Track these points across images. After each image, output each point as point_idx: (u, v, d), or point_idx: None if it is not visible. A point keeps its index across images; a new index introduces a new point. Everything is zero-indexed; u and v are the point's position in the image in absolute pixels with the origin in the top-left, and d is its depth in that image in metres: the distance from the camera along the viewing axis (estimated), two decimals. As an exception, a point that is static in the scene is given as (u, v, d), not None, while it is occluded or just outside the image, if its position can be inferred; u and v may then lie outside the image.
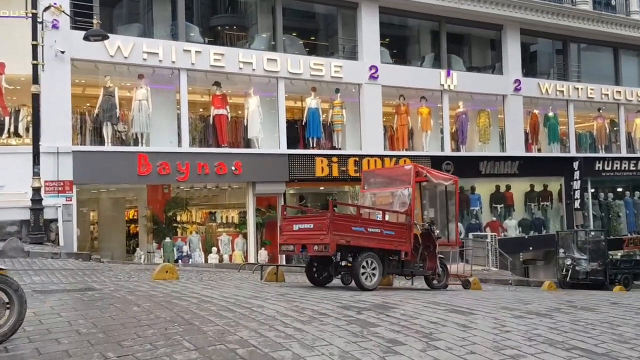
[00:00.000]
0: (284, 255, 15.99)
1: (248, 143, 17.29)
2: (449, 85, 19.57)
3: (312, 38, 18.94)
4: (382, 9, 18.50)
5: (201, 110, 17.22)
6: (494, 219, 20.99)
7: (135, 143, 15.26)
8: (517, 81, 21.01)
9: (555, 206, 22.59)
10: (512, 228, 21.13)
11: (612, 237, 22.67)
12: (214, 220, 19.36)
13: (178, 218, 16.84)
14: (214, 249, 16.29)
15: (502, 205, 21.47)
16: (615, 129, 24.01)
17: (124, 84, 15.59)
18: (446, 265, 10.04)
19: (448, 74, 19.59)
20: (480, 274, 16.81)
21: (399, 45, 20.15)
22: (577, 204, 22.02)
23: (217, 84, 16.32)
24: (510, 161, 20.79)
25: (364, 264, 7.97)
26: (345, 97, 18.09)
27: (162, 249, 15.68)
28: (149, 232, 16.44)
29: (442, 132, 20.31)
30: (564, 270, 16.87)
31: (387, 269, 8.57)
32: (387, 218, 8.65)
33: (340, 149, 17.92)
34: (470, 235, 19.71)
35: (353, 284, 8.28)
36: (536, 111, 22.03)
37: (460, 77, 19.78)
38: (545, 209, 22.33)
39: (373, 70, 18.12)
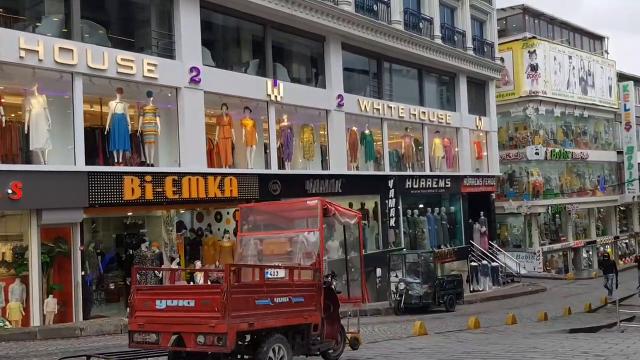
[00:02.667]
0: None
1: (29, 157, 13.11)
2: (275, 96, 17.66)
3: (116, 28, 15.33)
4: (203, 2, 15.82)
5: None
6: (317, 241, 19.63)
7: None
8: (340, 96, 20.08)
9: (371, 224, 22.22)
10: (334, 249, 20.01)
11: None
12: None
13: None
14: (-21, 302, 11.80)
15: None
16: (420, 147, 24.74)
17: None
18: (343, 327, 7.90)
19: (275, 84, 17.68)
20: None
21: (220, 47, 17.61)
22: (392, 222, 21.95)
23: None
24: (334, 179, 19.71)
25: (271, 354, 5.44)
26: (159, 103, 14.96)
27: None
28: None
29: (266, 147, 18.34)
30: (398, 295, 16.17)
31: (293, 351, 6.15)
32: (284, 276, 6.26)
33: (152, 164, 14.70)
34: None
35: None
36: (355, 128, 21.42)
37: (286, 88, 18.02)
38: (362, 228, 21.75)
39: (194, 73, 15.31)
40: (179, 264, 15.59)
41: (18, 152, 13.00)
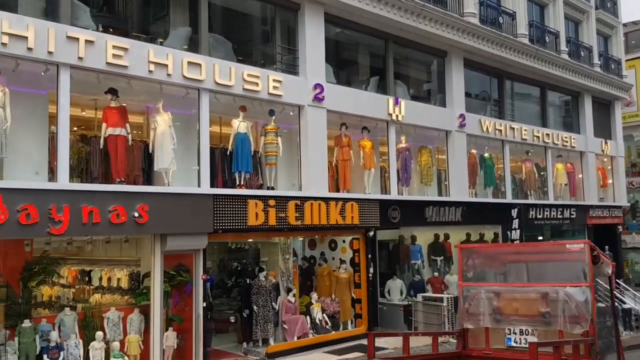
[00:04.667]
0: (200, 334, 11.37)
1: (150, 177, 12.38)
2: (396, 116, 16.29)
3: (238, 42, 14.53)
4: (327, 16, 14.79)
5: (82, 128, 12.02)
6: (436, 274, 17.92)
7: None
8: (462, 116, 18.43)
9: (490, 257, 20.17)
10: (453, 285, 18.09)
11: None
12: (88, 282, 13.95)
13: (44, 291, 11.28)
14: (99, 333, 10.94)
15: (441, 257, 18.51)
16: (542, 173, 22.53)
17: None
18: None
19: (396, 102, 16.32)
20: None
21: (340, 64, 16.49)
22: (515, 256, 19.80)
23: (112, 91, 11.31)
24: (455, 207, 17.96)
25: None
26: (279, 122, 13.94)
27: (17, 337, 10.09)
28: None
29: (384, 170, 16.96)
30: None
31: None
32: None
33: (273, 188, 13.62)
34: (419, 297, 16.34)
35: None
36: (474, 151, 19.64)
37: (407, 106, 16.62)
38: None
39: (318, 90, 14.22)
40: (294, 295, 14.36)
41: (140, 172, 12.29)
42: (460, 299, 5.96)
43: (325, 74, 14.62)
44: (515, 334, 5.03)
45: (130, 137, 11.45)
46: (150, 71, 11.31)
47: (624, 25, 30.55)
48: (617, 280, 24.88)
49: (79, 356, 10.53)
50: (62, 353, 10.37)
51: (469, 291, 5.88)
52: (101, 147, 11.23)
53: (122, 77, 11.14)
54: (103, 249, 14.19)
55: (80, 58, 10.34)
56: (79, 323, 10.98)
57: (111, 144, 11.20)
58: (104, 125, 11.21)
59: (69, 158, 10.32)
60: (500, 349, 4.98)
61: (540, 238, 24.04)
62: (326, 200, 14.04)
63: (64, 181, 10.07)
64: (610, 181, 25.69)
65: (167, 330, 11.65)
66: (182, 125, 12.37)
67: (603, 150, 24.86)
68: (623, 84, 25.87)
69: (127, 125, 11.41)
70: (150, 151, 11.99)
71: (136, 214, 10.68)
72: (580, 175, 24.04)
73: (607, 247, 24.80)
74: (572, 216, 22.89)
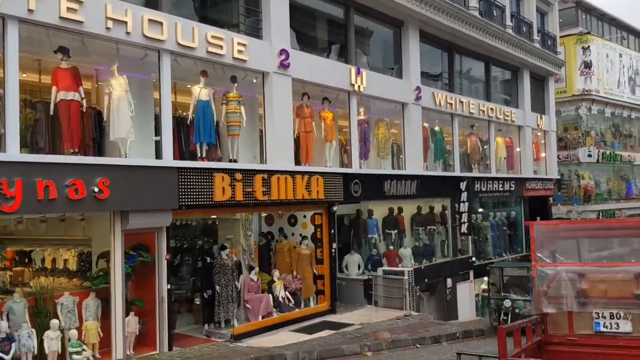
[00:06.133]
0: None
1: (101, 149, 11.17)
2: (358, 86, 15.77)
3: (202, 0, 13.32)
4: (290, -23, 13.91)
5: (27, 92, 10.58)
6: (391, 247, 17.81)
7: None
8: (418, 88, 18.21)
9: (439, 230, 20.37)
10: (407, 258, 18.11)
11: (482, 261, 21.44)
12: (33, 264, 12.66)
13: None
14: (54, 321, 9.77)
15: (395, 230, 18.40)
16: (485, 147, 22.92)
17: None
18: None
19: (358, 72, 15.78)
20: (398, 325, 13.32)
21: (300, 30, 15.60)
22: (464, 228, 20.11)
23: (63, 49, 9.96)
24: (410, 180, 17.82)
25: None
26: (243, 90, 13.01)
27: (-42, 332, 8.81)
28: None
29: (343, 143, 16.48)
30: (503, 314, 14.29)
31: None
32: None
33: (236, 160, 12.74)
34: (380, 271, 16.14)
35: None
36: (426, 124, 19.54)
37: (369, 77, 16.14)
38: (432, 234, 19.94)
39: (284, 57, 13.38)
40: (256, 273, 13.68)
41: (90, 142, 11.02)
42: (535, 282, 5.55)
43: (289, 40, 13.78)
44: (605, 318, 4.70)
45: (84, 102, 10.16)
46: (107, 28, 10.03)
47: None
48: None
49: (33, 347, 9.37)
50: (13, 345, 9.17)
51: (545, 272, 5.46)
52: (51, 113, 9.89)
53: (77, 34, 9.81)
54: (44, 227, 12.88)
55: (30, 10, 8.93)
56: (30, 310, 9.76)
57: (63, 110, 9.89)
58: (54, 88, 9.86)
59: (19, 127, 8.97)
60: (586, 334, 4.66)
61: (538, 218, 24.56)
62: (292, 174, 13.37)
63: (14, 151, 8.74)
64: (543, 155, 26.66)
65: (127, 315, 10.66)
66: (135, 91, 11.14)
67: (538, 125, 25.69)
68: (558, 60, 26.76)
69: (81, 89, 10.12)
70: (105, 119, 10.77)
71: (96, 189, 9.53)
72: (518, 149, 24.72)
73: (538, 218, 25.89)
74: (512, 188, 23.56)
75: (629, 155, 34.02)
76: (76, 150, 9.95)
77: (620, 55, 33.65)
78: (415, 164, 18.21)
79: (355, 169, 15.78)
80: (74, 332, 9.88)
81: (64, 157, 9.50)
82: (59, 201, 9.05)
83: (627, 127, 35.36)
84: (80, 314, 10.35)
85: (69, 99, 9.89)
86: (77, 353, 9.73)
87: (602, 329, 4.82)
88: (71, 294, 10.38)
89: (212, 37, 11.81)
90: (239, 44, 12.34)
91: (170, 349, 10.96)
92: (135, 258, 12.78)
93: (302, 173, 13.66)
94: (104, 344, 10.36)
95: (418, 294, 16.07)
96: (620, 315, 4.65)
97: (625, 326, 4.71)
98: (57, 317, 9.95)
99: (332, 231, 14.90)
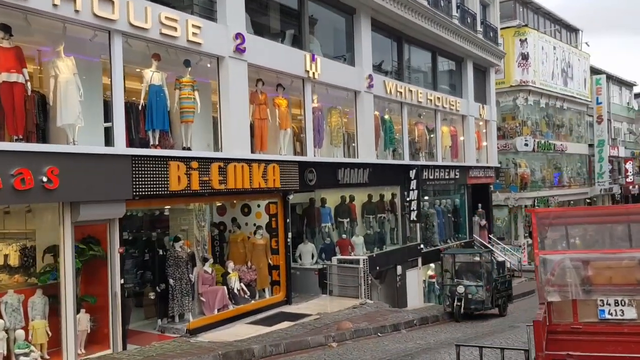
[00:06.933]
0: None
1: (45, 135, 10.42)
2: (313, 73, 15.52)
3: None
4: (244, -42, 13.40)
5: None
6: (344, 236, 17.78)
7: None
8: (370, 77, 18.15)
9: (389, 218, 20.53)
10: (359, 246, 18.16)
11: (429, 248, 21.85)
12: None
13: None
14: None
15: (347, 219, 18.37)
16: (431, 136, 23.27)
17: None
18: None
19: (313, 59, 15.52)
20: (356, 314, 13.33)
21: (254, 14, 15.13)
22: (413, 216, 20.35)
23: (4, 27, 9.15)
24: (362, 168, 17.81)
25: None
26: (196, 75, 12.48)
27: None
28: None
29: (299, 131, 16.23)
30: (457, 300, 14.57)
31: None
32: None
33: (189, 148, 12.24)
34: (334, 259, 16.06)
35: None
36: (376, 112, 19.57)
37: (323, 64, 15.92)
38: (382, 222, 20.06)
39: (239, 41, 12.92)
40: (211, 265, 13.26)
41: (33, 128, 10.24)
42: (539, 270, 5.50)
43: (245, 24, 13.33)
44: (610, 305, 4.70)
45: (29, 85, 9.39)
46: (54, 5, 9.28)
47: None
48: (489, 235, 26.95)
49: (-22, 354, 8.66)
50: (-49, 352, 8.42)
51: (551, 261, 5.37)
52: (-8, 96, 9.08)
53: (20, 10, 9.01)
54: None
55: (-34, -19, 8.11)
56: (-32, 312, 9.00)
57: (5, 94, 9.11)
58: (-6, 69, 9.05)
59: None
60: (591, 322, 4.64)
61: (479, 205, 24.90)
62: (249, 162, 13.00)
63: (-48, 138, 7.95)
64: (484, 144, 27.39)
65: (78, 312, 10.03)
66: (82, 74, 10.41)
67: (480, 115, 26.33)
68: (499, 51, 27.47)
69: (25, 70, 9.34)
70: (51, 103, 10.02)
71: (45, 179, 8.85)
72: (462, 138, 25.27)
73: (479, 204, 26.67)
74: (457, 176, 24.08)
75: (561, 145, 35.57)
76: (21, 136, 9.20)
77: (554, 48, 34.99)
78: (367, 152, 18.20)
79: (310, 157, 15.57)
80: (20, 333, 9.22)
81: (8, 144, 8.74)
82: (5, 192, 8.34)
83: (559, 118, 36.91)
84: (26, 312, 9.66)
85: (11, 81, 9.12)
86: (25, 354, 9.10)
87: (607, 316, 4.84)
88: (15, 292, 9.65)
89: (166, 18, 11.21)
90: (193, 26, 11.80)
91: (124, 346, 10.42)
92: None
93: (259, 161, 13.32)
94: (53, 343, 9.72)
95: (372, 282, 16.11)
96: (625, 302, 4.70)
97: (630, 313, 4.77)
98: (1, 317, 9.24)
99: (288, 220, 14.65)
